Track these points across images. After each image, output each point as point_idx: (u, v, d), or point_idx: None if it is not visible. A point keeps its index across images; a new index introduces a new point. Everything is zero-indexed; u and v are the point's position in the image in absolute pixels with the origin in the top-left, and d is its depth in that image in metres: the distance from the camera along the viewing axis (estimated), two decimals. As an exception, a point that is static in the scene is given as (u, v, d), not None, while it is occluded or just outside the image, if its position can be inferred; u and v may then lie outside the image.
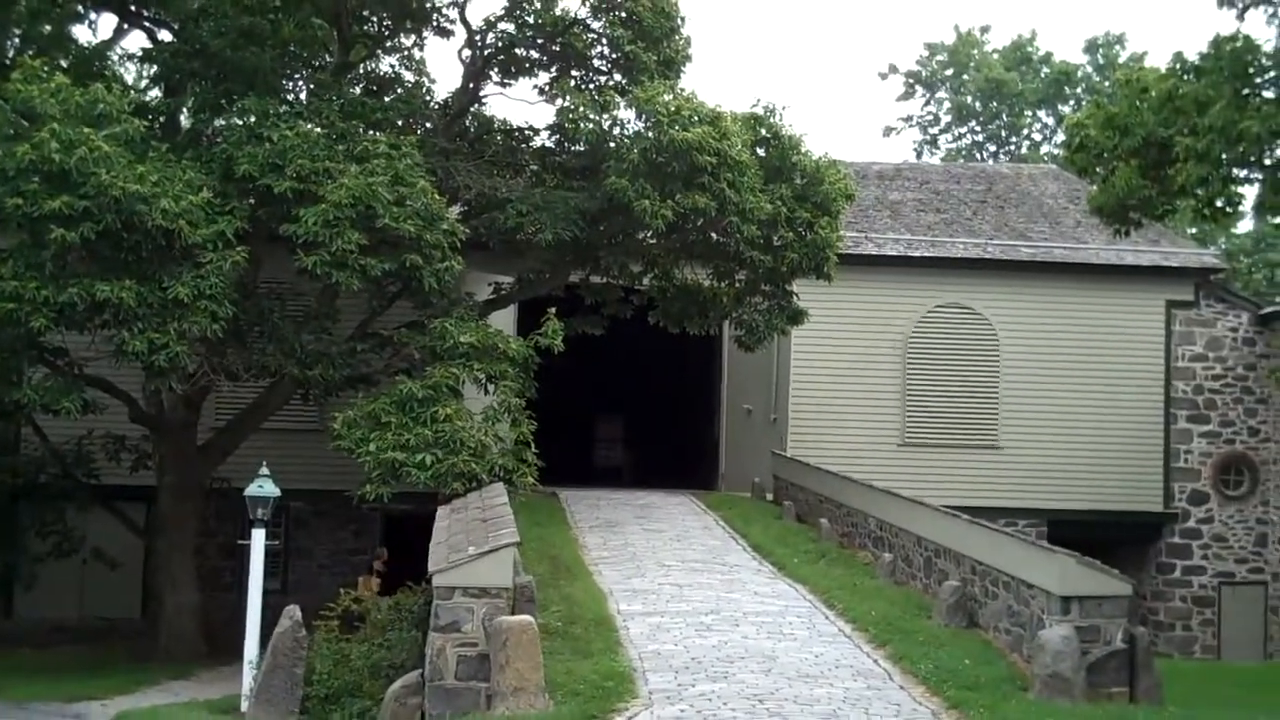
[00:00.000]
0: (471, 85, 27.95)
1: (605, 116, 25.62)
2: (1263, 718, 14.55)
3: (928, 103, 65.90)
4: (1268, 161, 20.08)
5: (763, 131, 25.96)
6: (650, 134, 23.99)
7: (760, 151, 25.92)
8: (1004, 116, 63.63)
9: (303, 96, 26.39)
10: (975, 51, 64.84)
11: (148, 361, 21.36)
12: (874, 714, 13.70)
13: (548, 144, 28.20)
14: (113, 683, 22.27)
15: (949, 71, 65.01)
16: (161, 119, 25.98)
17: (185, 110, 26.36)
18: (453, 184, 25.50)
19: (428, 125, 27.42)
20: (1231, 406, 33.62)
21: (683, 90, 25.84)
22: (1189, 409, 33.50)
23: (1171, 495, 33.35)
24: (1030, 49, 64.36)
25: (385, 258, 22.27)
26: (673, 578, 20.72)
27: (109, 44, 30.87)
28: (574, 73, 27.68)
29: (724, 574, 21.33)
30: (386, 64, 29.12)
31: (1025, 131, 64.43)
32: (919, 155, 64.36)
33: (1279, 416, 33.22)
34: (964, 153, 63.78)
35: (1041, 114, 64.03)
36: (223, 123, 24.87)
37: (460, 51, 27.71)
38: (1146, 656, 15.46)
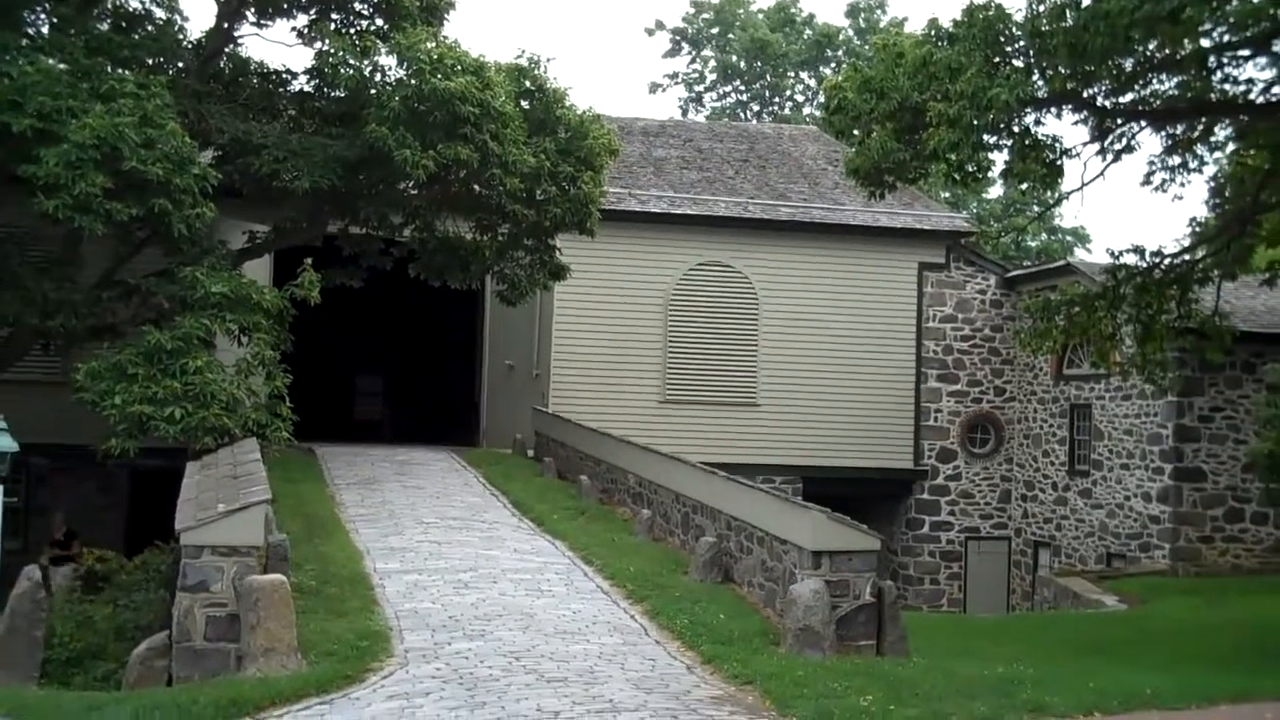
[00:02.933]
0: (226, 25, 26.89)
1: (366, 62, 25.03)
2: (1000, 666, 14.99)
3: (693, 60, 66.42)
4: (1016, 129, 20.60)
5: (527, 84, 25.73)
6: (412, 82, 23.52)
7: (524, 104, 25.69)
8: (768, 77, 64.50)
9: (45, 30, 25.00)
10: (741, 11, 65.54)
11: None
12: (629, 669, 13.73)
13: (306, 89, 27.30)
14: None
15: (715, 30, 65.57)
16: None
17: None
18: (205, 127, 24.54)
19: (180, 65, 26.29)
20: (979, 367, 34.80)
21: (446, 38, 25.47)
22: (939, 369, 34.55)
23: (921, 453, 34.42)
24: (794, 10, 65.33)
25: (132, 202, 21.29)
26: (431, 535, 20.50)
27: None
28: (334, 15, 26.87)
29: (483, 531, 21.19)
30: None
31: (788, 92, 65.44)
32: (684, 113, 64.88)
33: (1023, 377, 34.48)
34: (728, 111, 64.43)
35: (804, 75, 65.07)
36: (-43, 57, 23.50)
37: (215, -12, 26.72)
38: (893, 610, 15.81)
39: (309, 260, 23.90)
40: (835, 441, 33.62)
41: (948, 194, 48.80)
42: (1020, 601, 33.60)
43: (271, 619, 13.81)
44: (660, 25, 66.33)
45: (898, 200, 32.84)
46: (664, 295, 32.93)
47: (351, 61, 24.95)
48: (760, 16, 65.31)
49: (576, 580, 18.14)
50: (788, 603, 15.28)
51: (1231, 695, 14.36)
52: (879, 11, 64.44)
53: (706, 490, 20.11)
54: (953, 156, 19.55)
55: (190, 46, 27.03)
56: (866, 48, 57.16)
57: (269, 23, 27.17)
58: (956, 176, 20.72)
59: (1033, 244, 59.24)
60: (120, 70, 23.63)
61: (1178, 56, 20.11)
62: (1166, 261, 23.96)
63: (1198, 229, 24.78)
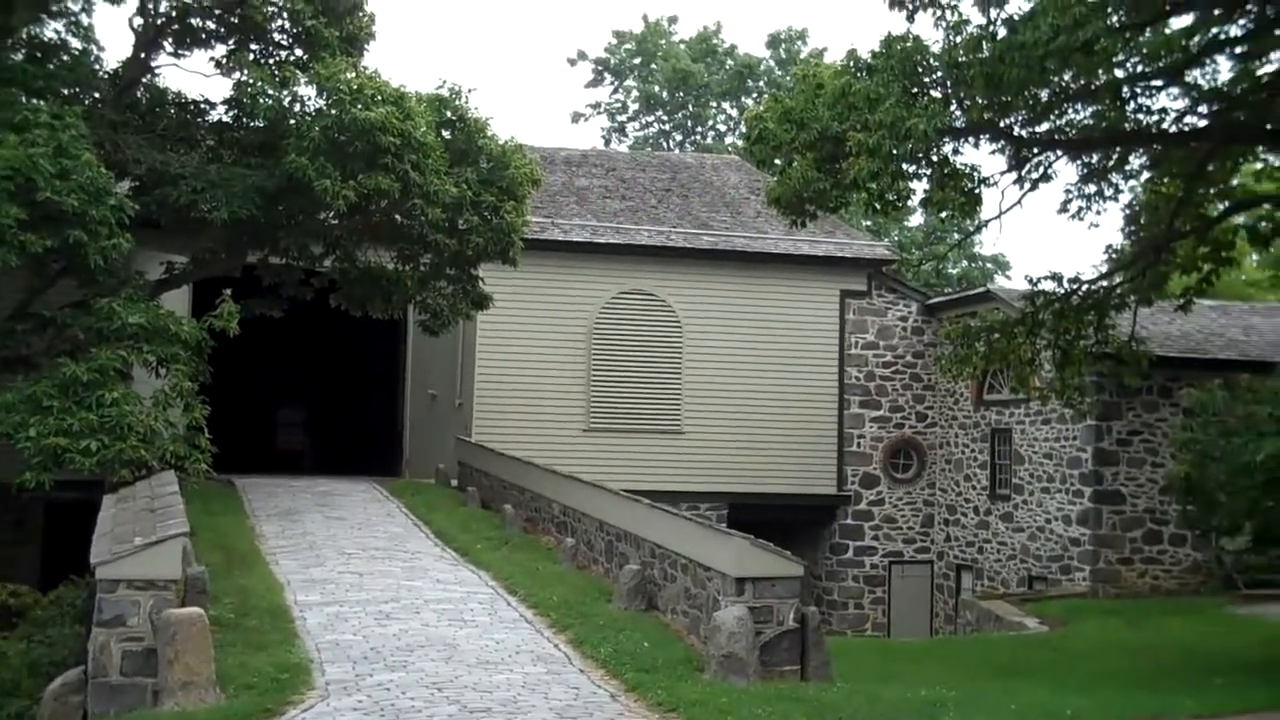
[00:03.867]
0: (143, 55, 26.65)
1: (285, 92, 24.96)
2: (923, 689, 15.08)
3: (616, 90, 66.57)
4: (935, 158, 20.85)
5: (448, 113, 25.69)
6: (332, 112, 23.46)
7: (446, 134, 25.64)
8: (690, 107, 64.77)
9: (-43, 61, 24.74)
10: (663, 41, 65.78)
11: None
12: (553, 698, 13.68)
13: (225, 119, 27.08)
14: None
15: (637, 60, 65.78)
16: None
17: None
18: (122, 157, 24.27)
19: (96, 95, 26.01)
20: (901, 393, 35.06)
21: (366, 69, 25.44)
22: (861, 395, 34.77)
23: (845, 478, 34.60)
24: (716, 41, 65.69)
25: (47, 234, 20.97)
26: (353, 566, 20.32)
27: None
28: (253, 46, 26.74)
29: (406, 561, 21.04)
30: (51, 29, 27.50)
31: (710, 122, 65.73)
32: (607, 142, 65.01)
33: (945, 402, 34.78)
34: (651, 141, 64.66)
35: (726, 105, 65.43)
36: None
37: (131, 19, 26.42)
38: (817, 635, 15.86)
39: (228, 291, 23.67)
40: (759, 468, 33.71)
41: (869, 222, 49.22)
42: (943, 625, 33.82)
43: (189, 653, 13.65)
44: (582, 55, 66.52)
45: (819, 229, 33.07)
46: (587, 324, 32.92)
47: (270, 92, 24.85)
48: (682, 47, 65.63)
49: (500, 610, 18.04)
50: (711, 629, 15.28)
51: (1150, 715, 14.59)
52: (800, 42, 64.94)
53: (630, 518, 20.09)
54: (873, 185, 19.75)
55: (106, 76, 26.76)
56: (787, 78, 57.56)
57: (186, 53, 26.98)
58: (877, 205, 20.92)
59: (953, 271, 59.82)
60: (35, 100, 23.33)
61: (1093, 87, 20.46)
62: (1084, 288, 24.32)
63: (1114, 256, 25.12)
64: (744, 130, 22.96)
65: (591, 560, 21.50)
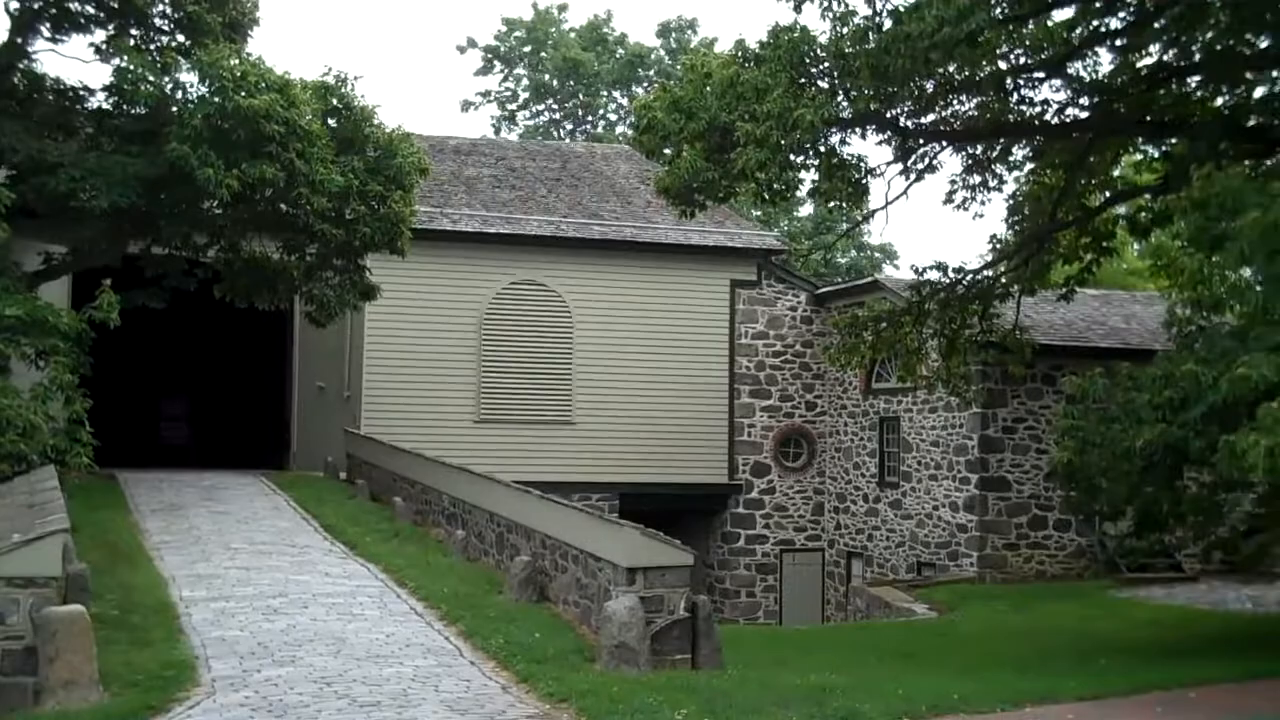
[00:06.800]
0: (19, 40, 26.02)
1: (166, 79, 24.50)
2: (813, 676, 15.19)
3: (506, 79, 66.20)
4: (822, 148, 20.98)
5: (334, 101, 25.43)
6: (215, 99, 23.15)
7: (332, 122, 25.39)
8: (580, 96, 64.65)
9: None
10: (553, 30, 65.57)
11: None
12: (444, 691, 13.58)
13: (105, 106, 26.50)
14: None
15: (527, 49, 65.48)
16: None
17: None
18: (-4, 146, 23.79)
19: (-31, 82, 25.45)
20: (791, 382, 35.28)
21: (250, 55, 25.04)
22: (752, 384, 34.95)
23: (736, 467, 34.77)
24: (606, 30, 65.59)
25: (-82, 224, 20.53)
26: (240, 561, 20.06)
27: None
28: (134, 31, 26.23)
29: (294, 556, 20.82)
30: (-78, 14, 26.88)
31: (601, 111, 65.68)
32: (497, 131, 64.66)
33: (834, 391, 35.06)
34: (541, 130, 64.43)
35: (617, 95, 65.40)
36: None
37: (7, 3, 25.82)
38: (708, 624, 15.89)
39: (108, 281, 23.24)
40: (651, 458, 33.76)
41: (758, 212, 49.44)
42: (834, 612, 34.12)
43: (71, 651, 13.37)
44: (472, 43, 66.04)
45: (709, 219, 33.16)
46: (478, 314, 32.74)
47: (151, 78, 24.36)
48: (572, 36, 65.47)
49: (390, 603, 17.89)
50: (603, 619, 15.27)
51: (1036, 698, 14.78)
52: (690, 32, 65.09)
53: (521, 509, 20.02)
54: (761, 176, 19.83)
55: (-20, 62, 26.13)
56: (677, 68, 57.68)
57: (65, 38, 26.39)
58: (765, 195, 21.01)
59: (842, 261, 60.32)
60: (-95, 86, 22.77)
61: (977, 79, 20.71)
62: (968, 278, 24.62)
63: (998, 246, 25.48)
64: (633, 120, 22.95)
65: (482, 552, 21.40)
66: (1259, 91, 21.67)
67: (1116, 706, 14.73)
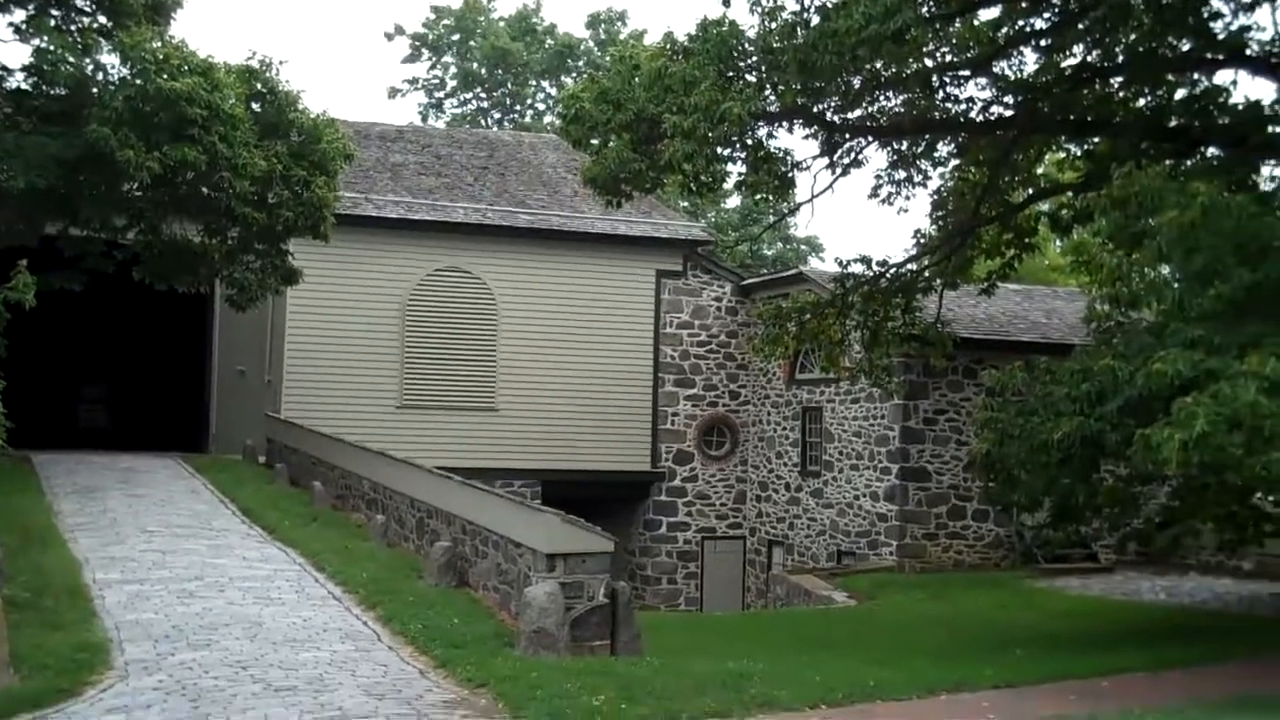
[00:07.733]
0: (-64, 18, 25.65)
1: (87, 60, 24.23)
2: (731, 662, 15.27)
3: (434, 66, 65.86)
4: (749, 141, 21.07)
5: (258, 86, 25.28)
6: (136, 81, 22.94)
7: (255, 106, 25.24)
8: (509, 85, 64.46)
9: None
10: (482, 19, 65.30)
11: None
12: (360, 675, 13.52)
13: (23, 86, 26.10)
14: None
15: (455, 37, 65.17)
16: None
17: None
18: (-90, 124, 23.38)
19: (-117, 58, 24.99)
20: (715, 372, 35.43)
21: (173, 38, 24.85)
22: (676, 373, 35.06)
23: (659, 455, 34.86)
24: (535, 20, 65.46)
25: None
26: (155, 544, 19.89)
27: None
28: (54, 11, 25.81)
29: (211, 539, 20.66)
30: None
31: (529, 101, 65.53)
32: (425, 119, 64.33)
33: (757, 381, 35.22)
34: (469, 118, 64.19)
35: (545, 84, 65.25)
36: None
37: (-77, -19, 25.40)
38: (627, 610, 15.93)
39: (24, 262, 22.85)
40: (574, 445, 33.80)
41: (686, 203, 49.56)
42: (755, 599, 34.29)
43: (-19, 634, 13.21)
44: (400, 30, 65.62)
45: (636, 209, 33.21)
46: (401, 301, 32.60)
47: (71, 59, 24.10)
48: (501, 25, 65.24)
49: (307, 587, 17.80)
50: (523, 605, 15.27)
51: (952, 685, 14.95)
52: (619, 24, 65.08)
53: (441, 495, 19.98)
54: (688, 167, 19.85)
55: (-106, 40, 25.68)
56: (606, 59, 57.61)
57: (-18, 18, 25.98)
58: (692, 187, 21.05)
59: (769, 253, 60.60)
60: None
61: (903, 76, 20.87)
62: (892, 271, 24.83)
63: (922, 241, 25.66)
64: (561, 110, 22.90)
65: (402, 537, 21.34)
66: (1180, 93, 21.97)
67: (1031, 695, 14.91)
